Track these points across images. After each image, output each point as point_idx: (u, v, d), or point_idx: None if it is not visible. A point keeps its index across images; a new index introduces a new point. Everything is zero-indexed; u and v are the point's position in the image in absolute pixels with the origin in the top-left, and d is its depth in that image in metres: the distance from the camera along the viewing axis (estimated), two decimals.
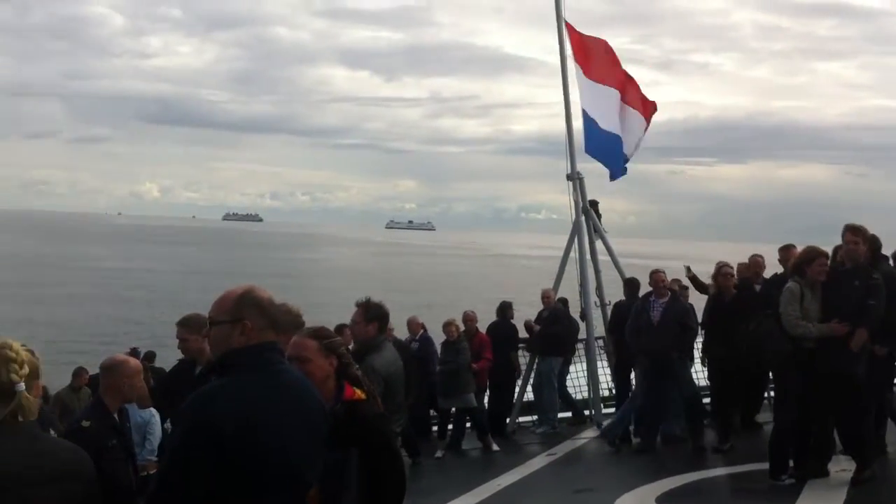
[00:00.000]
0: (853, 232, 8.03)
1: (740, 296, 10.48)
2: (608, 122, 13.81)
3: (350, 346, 11.03)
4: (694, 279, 12.77)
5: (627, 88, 14.24)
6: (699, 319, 11.29)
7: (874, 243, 8.56)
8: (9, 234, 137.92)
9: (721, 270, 10.80)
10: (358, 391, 4.11)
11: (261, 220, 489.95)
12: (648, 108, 14.42)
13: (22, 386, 2.98)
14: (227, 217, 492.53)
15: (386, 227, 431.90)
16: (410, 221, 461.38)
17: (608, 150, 13.83)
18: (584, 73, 13.78)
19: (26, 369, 3.02)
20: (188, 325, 6.15)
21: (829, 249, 8.52)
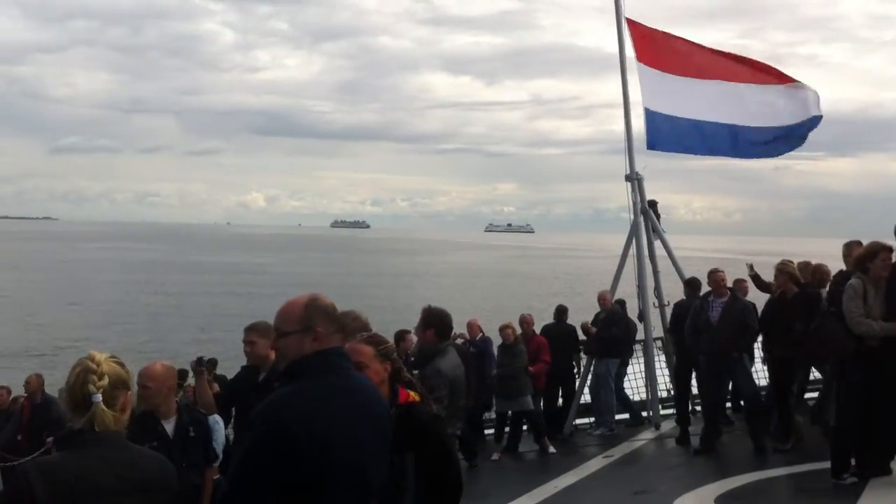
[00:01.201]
0: None
1: (802, 294, 10.30)
2: (694, 109, 13.56)
3: (410, 351, 11.26)
4: (756, 278, 12.58)
5: (733, 67, 13.82)
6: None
7: None
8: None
9: (783, 268, 10.64)
10: (412, 394, 4.16)
11: (368, 226, 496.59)
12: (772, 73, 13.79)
13: (99, 397, 3.04)
14: (335, 224, 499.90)
15: (485, 231, 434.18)
16: (509, 224, 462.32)
17: (688, 137, 13.58)
18: (653, 66, 13.62)
19: (106, 381, 3.08)
20: (257, 330, 6.31)
21: None
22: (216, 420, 6.52)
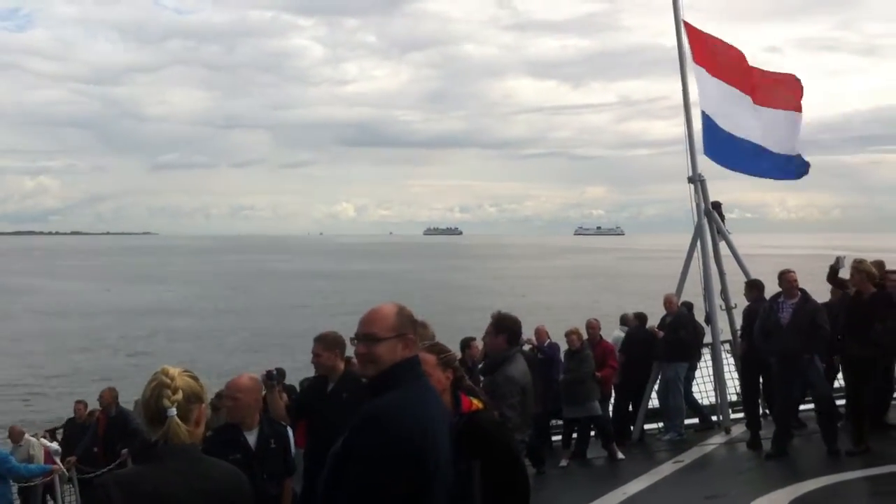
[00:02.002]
0: None
1: (880, 294, 10.09)
2: (734, 124, 13.55)
3: (476, 359, 11.28)
4: (835, 272, 12.21)
5: (761, 87, 13.91)
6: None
7: None
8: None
9: (859, 268, 10.43)
10: (475, 401, 4.20)
11: (461, 232, 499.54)
12: (796, 95, 13.99)
13: (173, 411, 3.09)
14: (428, 232, 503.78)
15: (574, 234, 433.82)
16: (599, 227, 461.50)
17: (731, 153, 13.57)
18: (708, 70, 13.56)
19: (180, 395, 3.13)
20: (324, 342, 6.42)
21: None
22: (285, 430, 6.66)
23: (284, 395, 11.60)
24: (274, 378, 6.91)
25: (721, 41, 14.07)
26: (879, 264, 11.16)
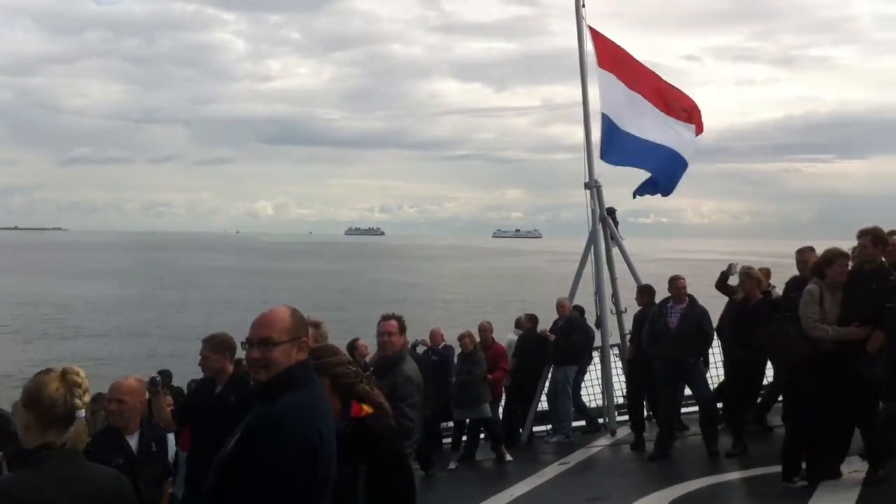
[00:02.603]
0: (867, 234, 7.92)
1: (766, 300, 10.35)
2: (638, 127, 13.74)
3: (367, 359, 11.14)
4: (724, 280, 12.46)
5: (665, 98, 14.19)
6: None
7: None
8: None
9: (750, 274, 10.69)
10: (365, 406, 4.11)
11: (383, 233, 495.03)
12: (695, 115, 14.36)
13: (83, 413, 3.01)
14: (349, 232, 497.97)
15: (493, 237, 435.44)
16: (517, 230, 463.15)
17: (630, 151, 13.74)
18: (614, 73, 13.73)
19: (88, 396, 3.06)
20: (212, 343, 6.27)
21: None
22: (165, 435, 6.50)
23: (169, 398, 11.29)
24: (157, 383, 6.71)
25: (625, 51, 14.29)
26: (766, 272, 11.48)
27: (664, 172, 13.95)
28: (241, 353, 4.18)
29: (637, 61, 14.32)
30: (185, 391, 13.36)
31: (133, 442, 5.66)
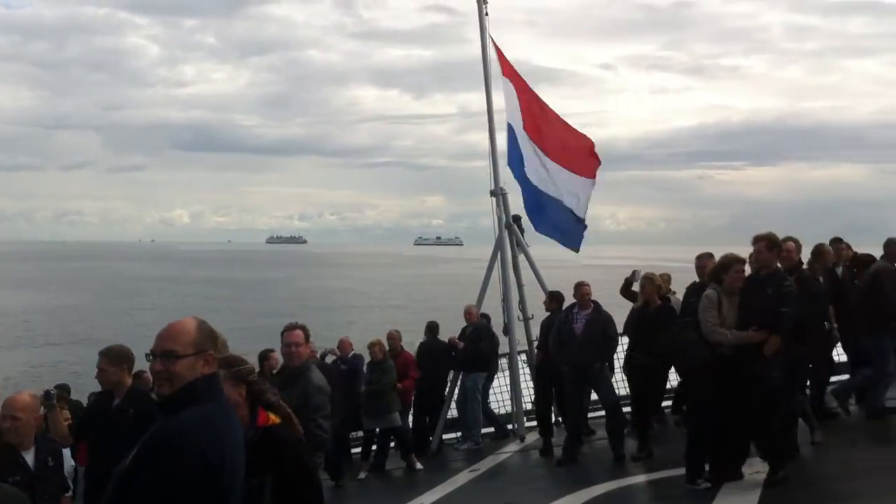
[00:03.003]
0: (761, 240, 8.15)
1: (665, 306, 10.58)
2: (542, 181, 13.90)
3: (275, 370, 10.97)
4: (629, 286, 12.67)
5: (560, 146, 14.28)
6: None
7: (798, 249, 8.78)
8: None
9: (652, 279, 10.91)
10: (272, 416, 4.05)
11: (305, 241, 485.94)
12: (591, 164, 14.39)
13: None
14: (271, 240, 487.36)
15: (414, 244, 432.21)
16: (438, 237, 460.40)
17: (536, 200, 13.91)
18: (512, 81, 13.86)
19: None
20: (109, 356, 6.13)
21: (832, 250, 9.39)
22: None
23: (66, 413, 10.93)
24: (52, 397, 6.52)
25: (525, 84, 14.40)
26: (667, 278, 11.76)
27: (559, 226, 14.21)
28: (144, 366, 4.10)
29: (537, 100, 14.42)
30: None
31: (29, 458, 5.55)
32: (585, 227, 14.28)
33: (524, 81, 14.30)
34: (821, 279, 9.81)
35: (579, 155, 14.33)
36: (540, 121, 14.14)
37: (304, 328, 6.51)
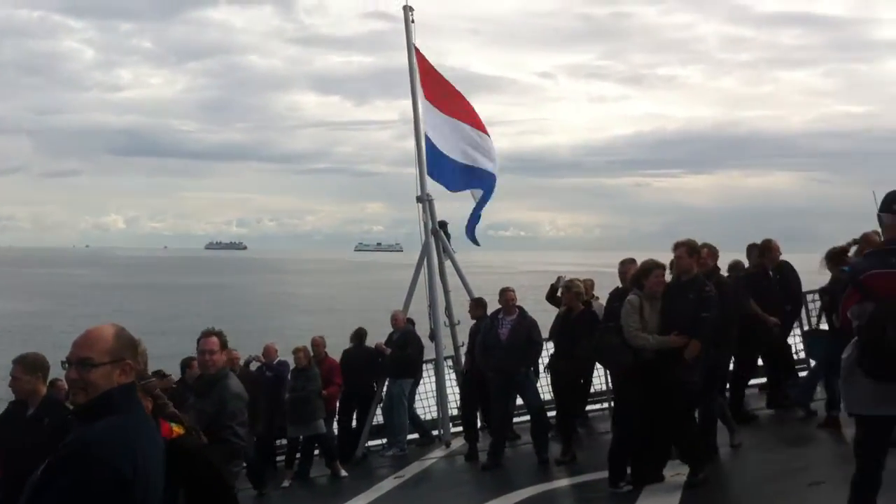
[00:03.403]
0: (682, 246, 8.29)
1: (587, 312, 10.69)
2: (451, 148, 14.01)
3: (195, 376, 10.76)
4: (554, 293, 12.75)
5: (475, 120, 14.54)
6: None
7: (713, 254, 8.94)
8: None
9: (570, 287, 11.00)
10: (175, 427, 3.98)
11: (245, 247, 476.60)
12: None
13: None
14: (210, 246, 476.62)
15: (355, 250, 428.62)
16: (379, 244, 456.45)
17: (450, 174, 14.03)
18: (428, 96, 13.97)
19: None
20: (23, 364, 5.97)
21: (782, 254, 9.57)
22: None
23: None
24: None
25: (440, 75, 14.55)
26: (590, 283, 11.89)
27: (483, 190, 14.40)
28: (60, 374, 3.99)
29: (452, 88, 14.69)
30: None
31: None
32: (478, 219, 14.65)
33: (439, 75, 14.48)
34: (771, 274, 10.44)
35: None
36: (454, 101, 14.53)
37: (220, 335, 6.40)
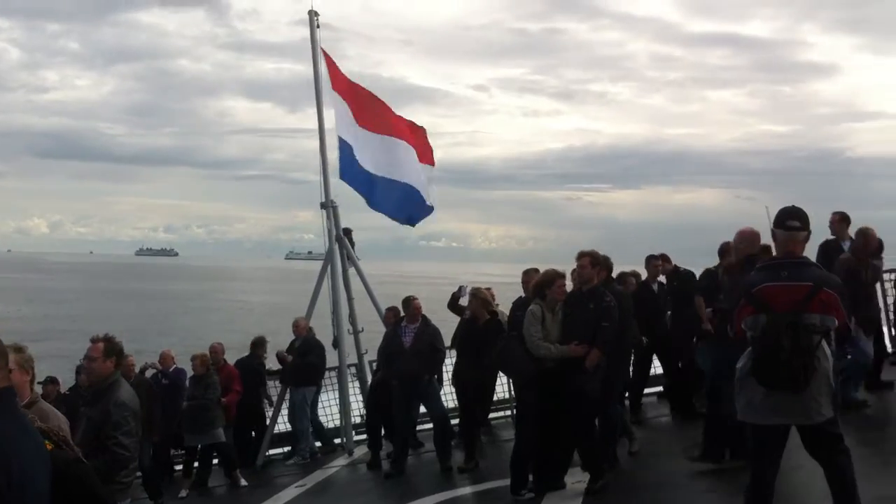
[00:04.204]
0: (585, 256, 8.45)
1: (493, 321, 10.79)
2: (371, 163, 13.98)
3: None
4: (456, 300, 12.80)
5: (404, 132, 14.55)
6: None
7: (607, 265, 9.13)
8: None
9: (477, 295, 11.08)
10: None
11: (176, 254, 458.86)
12: (428, 152, 14.91)
13: None
14: (140, 252, 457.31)
15: (286, 258, 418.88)
16: (310, 252, 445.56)
17: (368, 187, 14.01)
18: (344, 98, 13.90)
19: None
20: None
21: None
22: None
23: None
24: None
25: (353, 83, 14.51)
26: (491, 293, 12.02)
27: (401, 207, 14.43)
28: None
29: (369, 93, 14.61)
30: None
31: None
32: (432, 208, 14.65)
33: (358, 86, 14.42)
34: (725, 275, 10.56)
35: (421, 140, 14.83)
36: (376, 111, 14.38)
37: (107, 341, 6.21)
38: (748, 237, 7.59)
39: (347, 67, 14.07)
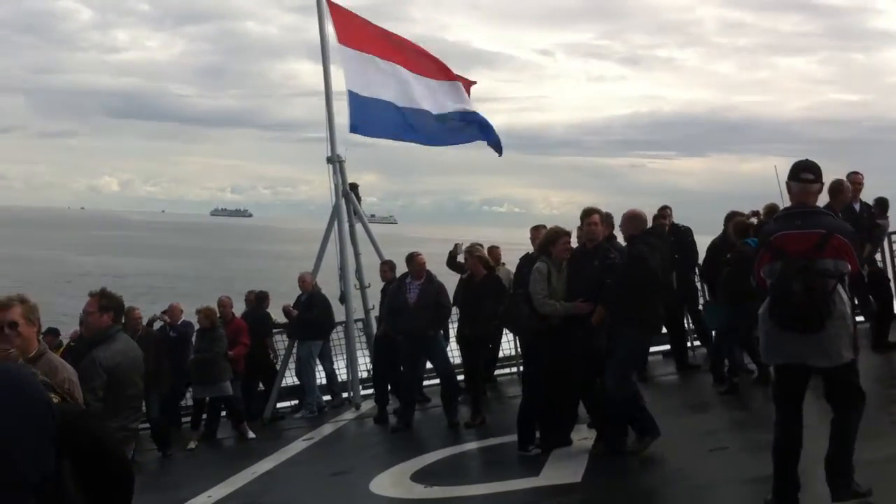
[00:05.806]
0: (595, 213, 8.42)
1: (491, 277, 10.80)
2: (382, 89, 13.84)
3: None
4: (454, 258, 12.84)
5: (414, 58, 14.38)
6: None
7: (609, 222, 9.14)
8: None
9: (472, 253, 11.11)
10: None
11: (250, 215, 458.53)
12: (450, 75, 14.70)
13: None
14: (215, 212, 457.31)
15: None
16: (373, 215, 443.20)
17: (379, 120, 13.87)
18: (352, 46, 13.72)
19: None
20: None
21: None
22: None
23: None
24: None
25: (363, 19, 14.32)
26: (494, 250, 12.04)
27: (451, 132, 14.41)
28: None
29: (383, 31, 14.43)
30: None
31: None
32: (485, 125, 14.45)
33: (389, 33, 14.31)
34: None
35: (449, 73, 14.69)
36: (400, 47, 14.34)
37: (104, 296, 6.18)
38: (636, 217, 8.10)
39: (413, 30, 13.88)
